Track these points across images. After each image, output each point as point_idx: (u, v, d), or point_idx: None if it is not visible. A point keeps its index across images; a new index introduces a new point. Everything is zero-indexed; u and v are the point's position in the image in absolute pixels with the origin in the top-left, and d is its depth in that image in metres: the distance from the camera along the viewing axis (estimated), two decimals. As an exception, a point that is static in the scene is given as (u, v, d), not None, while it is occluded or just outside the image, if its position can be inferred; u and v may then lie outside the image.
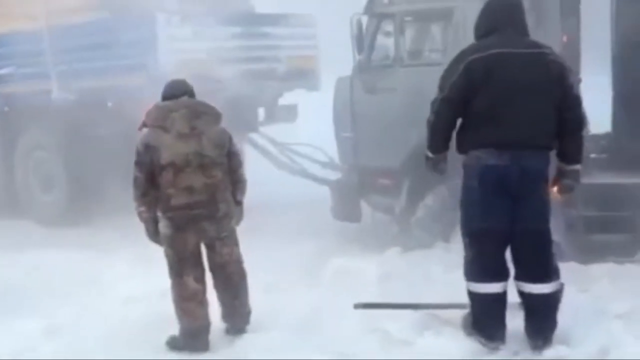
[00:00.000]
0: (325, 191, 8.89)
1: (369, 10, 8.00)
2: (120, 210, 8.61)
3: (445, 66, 6.46)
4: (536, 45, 5.19)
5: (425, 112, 7.36)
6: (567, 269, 5.62)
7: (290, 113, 11.23)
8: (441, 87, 5.21)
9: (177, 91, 5.65)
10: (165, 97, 5.67)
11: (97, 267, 7.46)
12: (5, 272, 7.47)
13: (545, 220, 5.15)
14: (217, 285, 5.73)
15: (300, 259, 7.38)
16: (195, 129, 5.47)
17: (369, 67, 8.03)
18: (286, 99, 11.37)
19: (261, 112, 11.01)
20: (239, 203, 5.78)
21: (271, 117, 11.05)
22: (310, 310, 5.94)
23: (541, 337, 5.12)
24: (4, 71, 10.72)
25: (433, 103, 5.27)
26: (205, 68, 9.49)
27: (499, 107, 5.00)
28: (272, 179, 9.65)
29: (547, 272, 5.13)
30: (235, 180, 5.71)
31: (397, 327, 5.47)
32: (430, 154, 5.40)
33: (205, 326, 5.61)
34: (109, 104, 10.17)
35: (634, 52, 7.45)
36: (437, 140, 5.32)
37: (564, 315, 5.21)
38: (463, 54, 5.19)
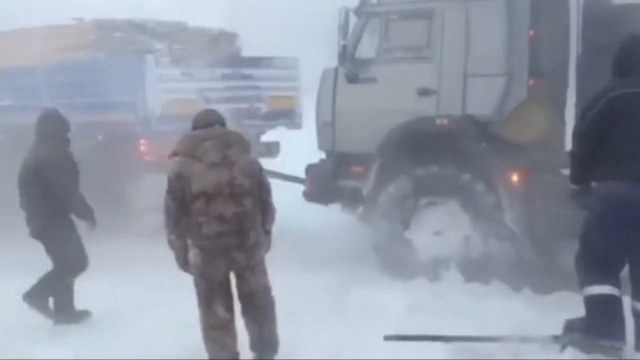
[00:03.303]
0: (344, 221, 8.80)
1: (359, 10, 8.24)
2: (113, 238, 8.55)
3: (426, 61, 7.66)
4: None
5: (402, 103, 7.79)
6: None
7: (273, 149, 11.22)
8: (582, 118, 5.23)
9: (208, 120, 5.41)
10: (197, 127, 5.41)
11: (116, 296, 6.98)
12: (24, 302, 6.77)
13: None
14: (245, 315, 5.41)
15: (325, 289, 7.07)
16: (227, 158, 5.23)
17: (354, 60, 8.20)
18: (269, 136, 11.45)
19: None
20: (267, 232, 5.51)
21: (254, 154, 11.25)
22: (339, 342, 5.65)
23: None
24: (1, 103, 10.72)
25: (574, 134, 5.29)
26: (193, 107, 9.72)
27: (635, 142, 5.04)
28: (290, 208, 9.18)
29: None
30: (264, 209, 5.45)
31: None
32: (573, 185, 5.39)
33: (234, 355, 5.30)
34: (100, 138, 10.24)
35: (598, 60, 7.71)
36: (580, 169, 5.32)
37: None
38: (605, 90, 5.18)
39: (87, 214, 6.72)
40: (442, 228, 7.70)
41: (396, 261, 7.75)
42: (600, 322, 5.10)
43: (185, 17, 11.46)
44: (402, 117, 7.79)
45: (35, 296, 6.62)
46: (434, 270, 7.45)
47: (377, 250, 7.94)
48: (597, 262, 5.15)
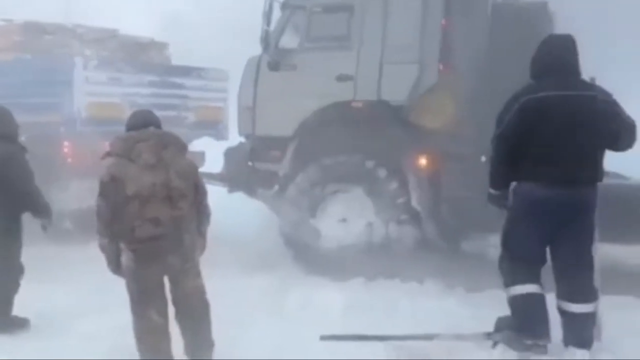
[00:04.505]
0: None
1: (285, 3, 8.49)
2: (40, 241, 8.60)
3: (345, 49, 7.88)
4: (586, 87, 5.24)
5: (321, 88, 7.96)
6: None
7: (198, 159, 11.30)
8: (498, 124, 5.24)
9: (143, 121, 5.17)
10: (131, 128, 5.15)
11: (49, 301, 6.61)
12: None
13: (588, 246, 5.21)
14: (179, 318, 5.16)
15: (261, 290, 6.90)
16: (162, 160, 5.00)
17: (277, 49, 8.39)
18: (195, 146, 11.62)
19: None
20: (202, 233, 5.30)
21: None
22: (275, 343, 5.50)
23: (580, 351, 5.11)
24: None
25: (493, 140, 5.29)
26: (118, 111, 9.37)
27: (552, 146, 5.06)
28: (226, 210, 8.88)
29: (588, 294, 5.19)
30: (200, 211, 5.24)
31: (365, 358, 5.14)
32: (492, 190, 5.39)
33: (168, 359, 5.05)
34: (22, 138, 10.23)
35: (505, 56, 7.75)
36: (498, 175, 5.35)
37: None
38: (518, 95, 5.20)
39: (46, 212, 6.39)
40: (347, 215, 7.89)
41: (304, 250, 7.87)
42: (525, 321, 5.21)
43: (119, 25, 11.40)
44: (320, 102, 7.97)
45: None
46: (339, 261, 7.58)
47: (285, 238, 8.05)
48: (519, 261, 5.25)
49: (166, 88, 10.56)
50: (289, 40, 8.48)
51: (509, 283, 5.28)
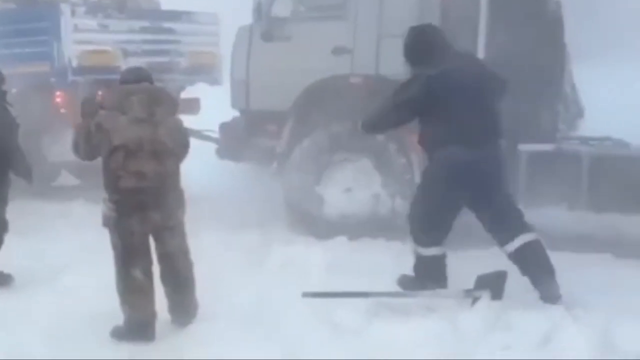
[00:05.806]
0: (264, 182, 8.55)
1: None
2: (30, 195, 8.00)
3: (341, 20, 7.69)
4: (470, 58, 5.82)
5: (316, 61, 7.71)
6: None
7: (193, 106, 10.78)
8: (396, 95, 5.51)
9: (137, 76, 5.20)
10: (124, 82, 5.18)
11: (34, 256, 6.67)
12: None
13: (507, 191, 5.61)
14: (164, 278, 5.20)
15: (245, 249, 6.88)
16: (153, 115, 5.01)
17: (269, 18, 8.02)
18: (189, 93, 11.20)
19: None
20: None
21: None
22: (257, 300, 5.52)
23: (545, 283, 5.33)
24: None
25: (392, 105, 5.58)
26: (110, 59, 9.39)
27: (461, 113, 5.32)
28: (212, 169, 9.17)
29: (523, 227, 5.46)
30: None
31: (347, 316, 5.17)
32: (364, 129, 5.94)
33: (151, 318, 5.09)
34: (14, 91, 10.02)
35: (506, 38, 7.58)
36: (375, 129, 6.09)
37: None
38: (422, 73, 5.47)
39: (27, 171, 6.33)
40: (352, 185, 7.66)
41: (306, 216, 7.66)
42: (428, 279, 5.52)
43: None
44: (316, 75, 7.63)
45: None
46: (342, 227, 7.42)
47: (288, 204, 7.82)
48: (431, 222, 5.50)
49: (158, 34, 10.32)
50: (282, 9, 8.09)
51: (420, 243, 5.56)
